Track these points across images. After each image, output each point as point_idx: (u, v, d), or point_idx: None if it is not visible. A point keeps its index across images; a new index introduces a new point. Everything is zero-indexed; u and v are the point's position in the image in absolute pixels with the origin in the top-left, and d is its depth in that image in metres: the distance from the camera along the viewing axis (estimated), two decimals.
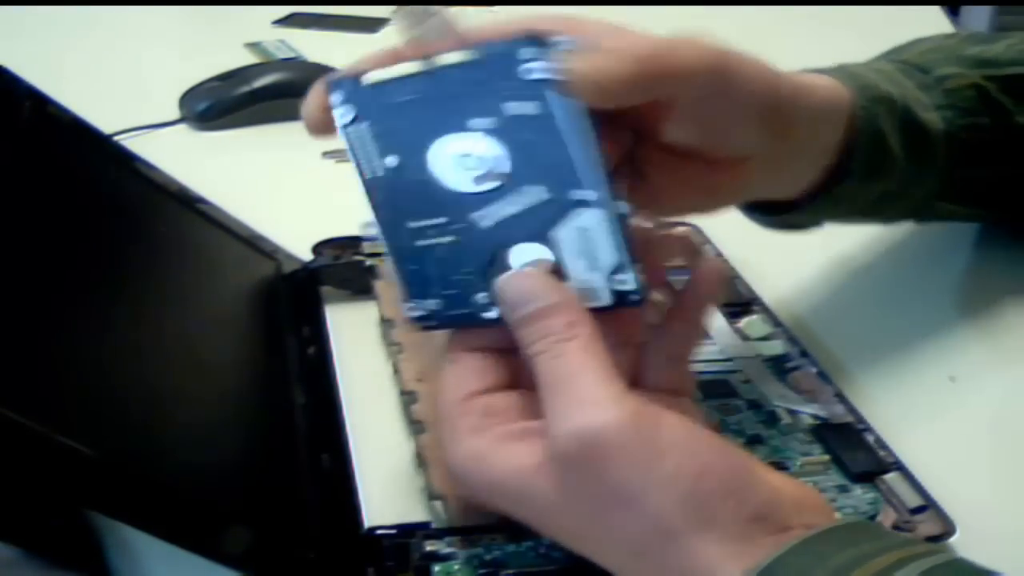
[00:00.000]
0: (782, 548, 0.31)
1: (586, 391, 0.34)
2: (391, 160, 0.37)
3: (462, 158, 0.36)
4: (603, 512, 0.33)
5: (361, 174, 0.38)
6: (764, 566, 0.31)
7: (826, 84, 0.46)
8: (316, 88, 0.38)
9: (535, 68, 0.34)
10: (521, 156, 0.36)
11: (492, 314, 0.38)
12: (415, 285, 0.39)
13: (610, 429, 0.33)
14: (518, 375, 0.38)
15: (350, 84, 0.37)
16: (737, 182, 0.42)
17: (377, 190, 0.38)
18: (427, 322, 0.40)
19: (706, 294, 0.40)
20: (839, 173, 0.47)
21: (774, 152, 0.42)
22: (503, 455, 0.35)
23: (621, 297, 0.37)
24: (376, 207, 0.38)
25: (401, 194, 0.38)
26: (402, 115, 0.37)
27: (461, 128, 0.36)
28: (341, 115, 0.37)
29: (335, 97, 0.37)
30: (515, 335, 0.37)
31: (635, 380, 0.39)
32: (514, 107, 0.35)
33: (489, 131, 0.36)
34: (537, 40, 0.34)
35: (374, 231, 0.39)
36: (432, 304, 0.39)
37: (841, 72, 0.48)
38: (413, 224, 0.38)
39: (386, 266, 0.43)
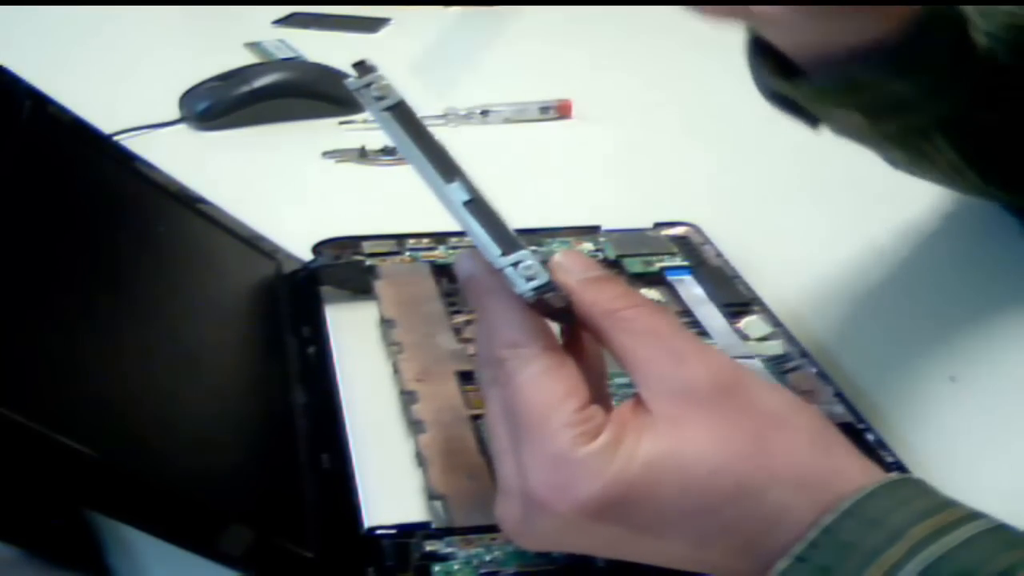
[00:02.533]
0: (883, 479, 0.33)
1: (696, 340, 0.36)
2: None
3: None
4: (765, 435, 0.34)
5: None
6: (882, 484, 0.33)
7: None
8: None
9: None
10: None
11: None
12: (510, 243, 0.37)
13: (742, 366, 0.36)
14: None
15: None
16: None
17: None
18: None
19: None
20: (868, 56, 0.45)
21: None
22: (633, 439, 0.33)
23: None
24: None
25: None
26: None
27: None
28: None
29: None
30: (589, 294, 0.36)
31: None
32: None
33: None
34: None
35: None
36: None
37: None
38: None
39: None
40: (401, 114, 0.37)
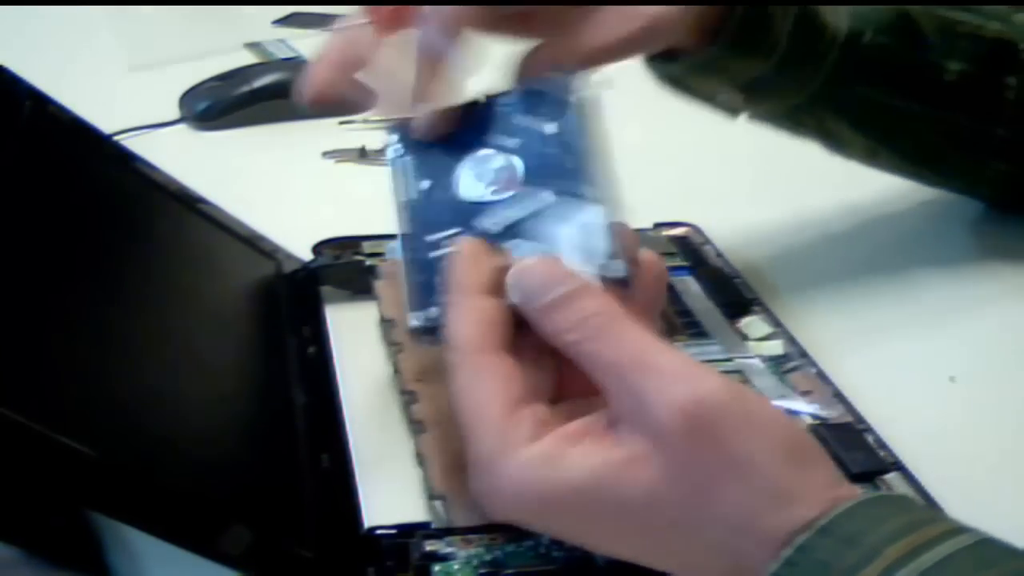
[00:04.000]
0: (860, 497, 0.32)
1: (671, 364, 0.33)
2: (424, 184, 0.42)
3: (482, 171, 0.41)
4: (712, 486, 0.32)
5: (397, 198, 0.43)
6: (859, 501, 0.32)
7: None
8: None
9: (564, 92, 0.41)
10: (535, 167, 0.40)
11: None
12: (420, 295, 0.40)
13: (715, 397, 0.33)
14: (544, 386, 0.37)
15: (403, 128, 0.43)
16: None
17: (407, 210, 0.42)
18: (427, 334, 0.40)
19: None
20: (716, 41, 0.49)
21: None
22: (580, 454, 0.33)
23: (612, 282, 0.38)
24: (403, 225, 0.42)
25: (427, 212, 0.42)
26: (438, 144, 0.42)
27: (485, 146, 0.42)
28: (393, 151, 0.43)
29: (391, 137, 0.44)
30: (544, 325, 0.36)
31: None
32: (534, 126, 0.41)
33: (509, 148, 0.41)
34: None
35: (396, 249, 0.42)
36: (433, 312, 0.39)
37: None
38: (431, 237, 0.41)
39: (396, 274, 0.44)
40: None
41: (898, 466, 0.44)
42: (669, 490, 0.33)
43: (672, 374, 0.33)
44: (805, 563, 0.31)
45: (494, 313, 0.37)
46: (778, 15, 0.49)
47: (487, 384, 0.35)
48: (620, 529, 0.34)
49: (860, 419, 0.47)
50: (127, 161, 0.50)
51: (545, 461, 0.33)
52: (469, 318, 0.36)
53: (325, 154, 0.73)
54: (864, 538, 0.31)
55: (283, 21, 1.00)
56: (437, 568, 0.38)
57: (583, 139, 0.40)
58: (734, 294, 0.56)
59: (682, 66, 0.51)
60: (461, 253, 0.38)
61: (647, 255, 0.39)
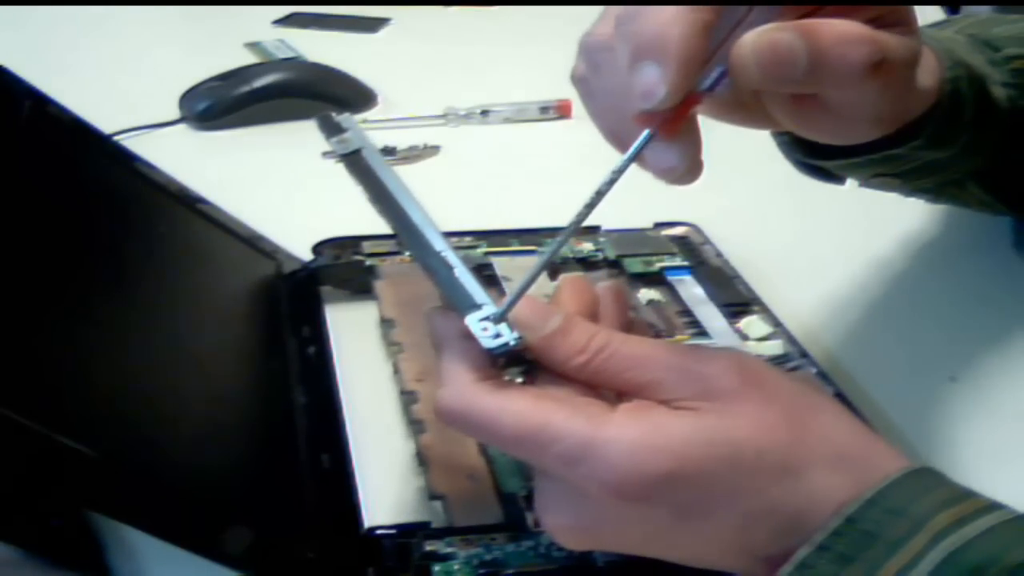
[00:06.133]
0: (904, 469, 0.33)
1: (683, 347, 0.36)
2: None
3: None
4: (806, 418, 0.34)
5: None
6: (904, 473, 0.33)
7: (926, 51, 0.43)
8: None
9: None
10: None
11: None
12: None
13: (745, 358, 0.36)
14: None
15: None
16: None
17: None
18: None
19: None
20: (905, 134, 0.44)
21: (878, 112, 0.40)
22: (674, 419, 0.33)
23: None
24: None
25: None
26: None
27: None
28: None
29: None
30: (549, 355, 0.36)
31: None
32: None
33: None
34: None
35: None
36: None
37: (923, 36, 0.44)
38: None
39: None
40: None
41: None
42: (770, 426, 0.33)
43: (696, 351, 0.35)
44: (852, 533, 0.32)
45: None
46: (966, 100, 0.45)
47: (523, 391, 0.35)
48: (734, 489, 0.33)
49: (860, 419, 0.47)
50: (127, 161, 0.49)
51: (643, 421, 0.33)
52: (467, 354, 0.36)
53: (325, 154, 0.73)
54: (910, 509, 0.31)
55: (283, 21, 1.01)
56: (437, 568, 0.38)
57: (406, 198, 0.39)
58: (734, 294, 0.56)
59: (851, 162, 0.46)
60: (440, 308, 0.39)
61: (604, 284, 0.40)
